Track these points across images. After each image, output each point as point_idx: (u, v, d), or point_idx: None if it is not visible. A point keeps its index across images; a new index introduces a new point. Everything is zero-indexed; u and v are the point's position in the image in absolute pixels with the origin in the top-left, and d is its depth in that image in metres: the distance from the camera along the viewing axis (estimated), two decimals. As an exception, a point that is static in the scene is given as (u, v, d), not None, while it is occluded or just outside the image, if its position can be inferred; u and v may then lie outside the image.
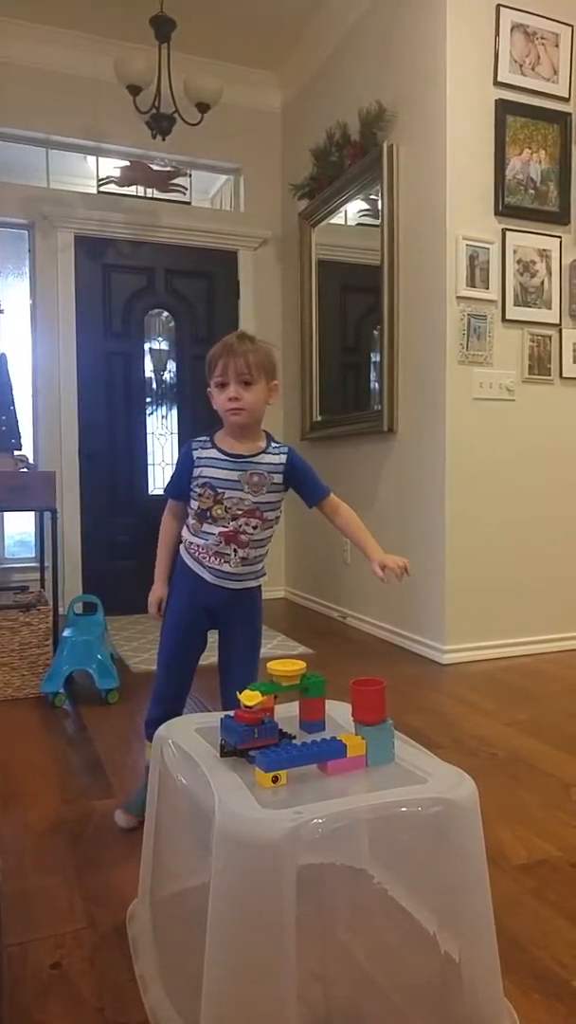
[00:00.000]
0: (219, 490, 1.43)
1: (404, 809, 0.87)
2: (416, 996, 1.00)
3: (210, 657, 1.54)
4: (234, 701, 1.47)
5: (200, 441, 1.49)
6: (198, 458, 1.46)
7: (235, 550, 1.45)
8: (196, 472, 1.46)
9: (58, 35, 3.58)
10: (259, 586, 1.53)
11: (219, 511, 1.44)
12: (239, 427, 1.45)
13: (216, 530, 1.44)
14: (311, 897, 0.99)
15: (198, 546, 1.47)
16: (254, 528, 1.45)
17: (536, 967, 1.09)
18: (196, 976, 0.84)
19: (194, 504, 1.47)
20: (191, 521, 1.49)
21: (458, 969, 0.89)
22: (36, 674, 2.43)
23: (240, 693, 1.47)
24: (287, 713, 1.08)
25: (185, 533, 1.51)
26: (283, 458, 1.47)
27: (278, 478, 1.46)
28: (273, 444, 1.49)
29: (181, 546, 1.52)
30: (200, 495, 1.45)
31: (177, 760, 1.03)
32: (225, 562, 1.45)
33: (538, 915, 1.22)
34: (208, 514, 1.44)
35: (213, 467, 1.44)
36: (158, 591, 1.55)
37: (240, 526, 1.44)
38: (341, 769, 0.94)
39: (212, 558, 1.45)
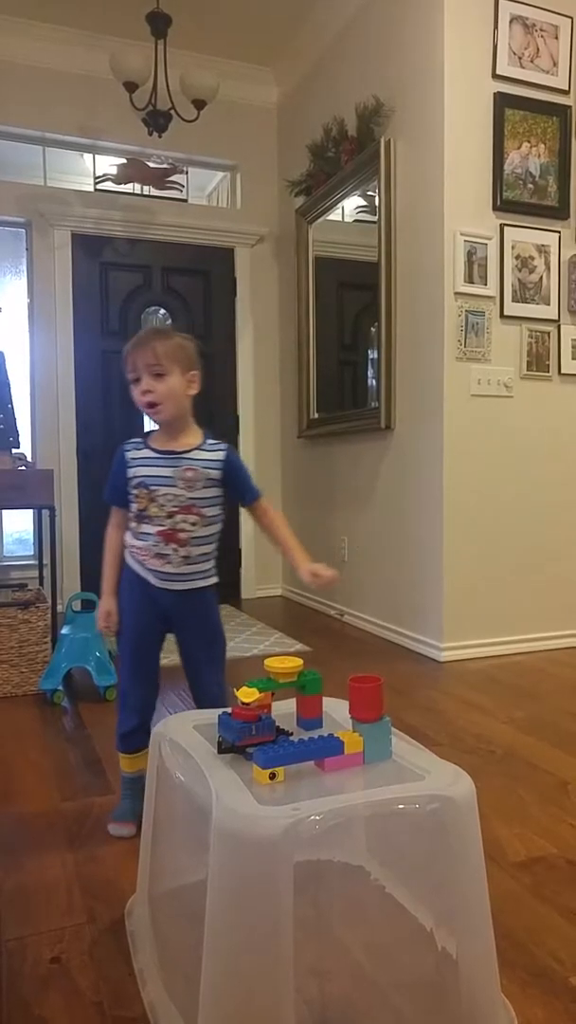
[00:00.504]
0: (152, 488, 1.43)
1: (402, 806, 0.87)
2: (413, 992, 1.00)
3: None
4: (204, 702, 1.48)
5: (134, 442, 1.49)
6: (131, 459, 1.47)
7: (175, 549, 1.43)
8: (131, 473, 1.46)
9: (54, 32, 3.57)
10: (209, 587, 1.50)
11: (154, 509, 1.43)
12: (165, 423, 1.45)
13: (153, 529, 1.43)
14: (308, 894, 0.99)
15: (139, 548, 1.46)
16: (192, 525, 1.44)
17: (533, 964, 1.09)
18: (194, 971, 0.84)
19: (133, 507, 1.46)
20: (131, 524, 1.48)
21: (455, 966, 0.89)
22: (35, 671, 2.43)
23: (207, 692, 1.48)
24: (284, 710, 1.08)
25: (128, 537, 1.50)
26: (221, 455, 1.47)
27: (215, 474, 1.45)
28: (209, 441, 1.48)
29: (126, 551, 1.50)
30: (136, 496, 1.45)
31: (175, 757, 1.03)
32: (167, 563, 1.44)
33: (535, 912, 1.23)
34: (144, 514, 1.44)
35: (146, 466, 1.44)
36: (105, 604, 1.52)
37: (177, 523, 1.43)
38: (338, 766, 0.94)
39: (153, 560, 1.44)
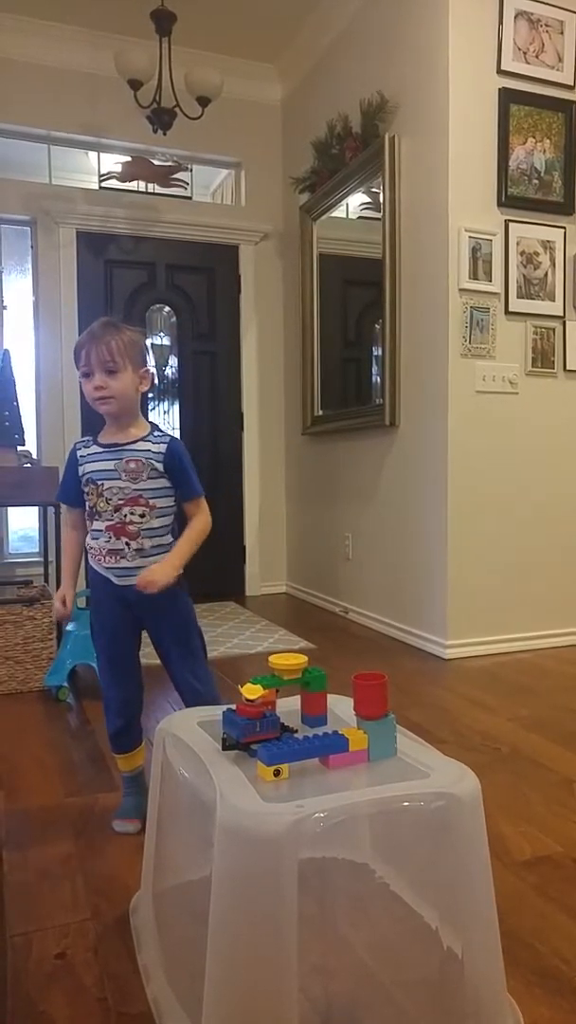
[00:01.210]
0: (99, 482, 1.43)
1: (406, 804, 0.86)
2: (418, 991, 1.00)
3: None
4: (188, 698, 1.48)
5: (83, 441, 1.50)
6: (81, 457, 1.46)
7: (127, 543, 1.42)
8: (81, 471, 1.45)
9: (59, 30, 3.57)
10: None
11: (102, 504, 1.42)
12: (112, 417, 1.45)
13: (103, 525, 1.43)
14: (313, 891, 0.99)
15: (95, 549, 1.45)
16: (141, 517, 1.42)
17: (539, 963, 1.09)
18: (198, 968, 0.84)
19: (86, 505, 1.46)
20: (88, 523, 1.47)
21: (461, 965, 0.89)
22: (40, 668, 2.44)
23: (186, 687, 1.48)
24: (289, 707, 1.08)
25: (88, 539, 1.49)
26: (163, 447, 1.45)
27: (159, 466, 1.44)
28: (155, 433, 1.47)
29: (89, 554, 1.49)
30: (88, 493, 1.45)
31: (179, 753, 1.03)
32: (122, 558, 1.43)
33: (541, 911, 1.22)
34: (94, 510, 1.44)
35: (92, 461, 1.44)
36: (63, 590, 1.52)
37: (125, 516, 1.42)
38: (343, 763, 0.93)
39: (108, 557, 1.43)
